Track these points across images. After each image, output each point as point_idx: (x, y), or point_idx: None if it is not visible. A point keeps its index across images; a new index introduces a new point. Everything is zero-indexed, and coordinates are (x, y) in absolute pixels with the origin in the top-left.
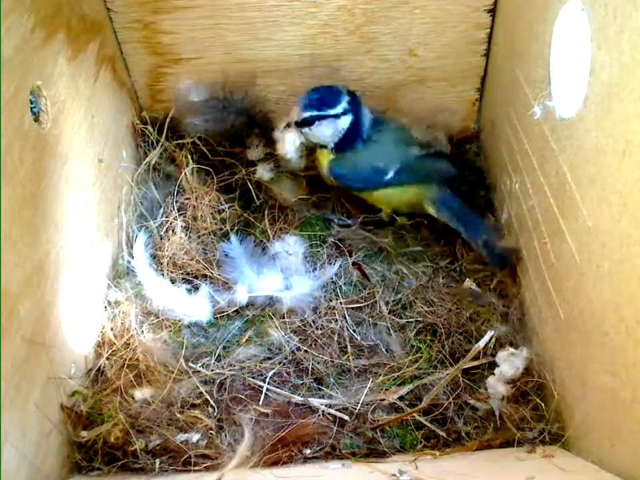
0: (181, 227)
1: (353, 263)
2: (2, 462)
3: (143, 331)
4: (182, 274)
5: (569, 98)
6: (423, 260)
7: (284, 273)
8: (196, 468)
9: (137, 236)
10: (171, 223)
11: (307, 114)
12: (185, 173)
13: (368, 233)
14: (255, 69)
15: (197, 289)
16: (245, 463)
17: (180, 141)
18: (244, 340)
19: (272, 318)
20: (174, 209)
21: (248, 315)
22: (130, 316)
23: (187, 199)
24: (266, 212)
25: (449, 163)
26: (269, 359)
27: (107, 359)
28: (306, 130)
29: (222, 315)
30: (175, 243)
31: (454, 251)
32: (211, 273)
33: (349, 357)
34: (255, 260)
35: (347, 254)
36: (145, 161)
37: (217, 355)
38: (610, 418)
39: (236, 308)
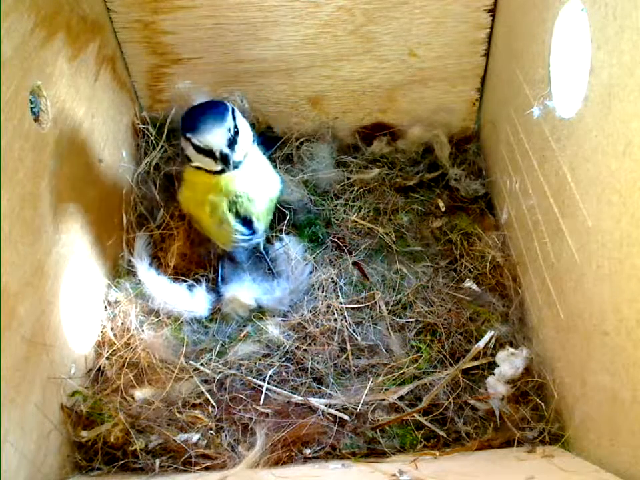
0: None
1: (353, 263)
2: (2, 462)
3: (143, 330)
4: (182, 274)
5: (568, 98)
6: (422, 260)
7: (282, 273)
8: (196, 468)
9: (137, 236)
10: (171, 226)
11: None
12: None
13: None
14: (255, 68)
15: (196, 285)
16: (250, 466)
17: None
18: (243, 335)
19: (267, 315)
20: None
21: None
22: (130, 315)
23: None
24: None
25: None
26: (268, 355)
27: (107, 358)
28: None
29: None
30: (175, 245)
31: (454, 251)
32: (208, 273)
33: (348, 356)
34: (253, 261)
35: (347, 254)
36: (145, 161)
37: (217, 351)
38: (610, 418)
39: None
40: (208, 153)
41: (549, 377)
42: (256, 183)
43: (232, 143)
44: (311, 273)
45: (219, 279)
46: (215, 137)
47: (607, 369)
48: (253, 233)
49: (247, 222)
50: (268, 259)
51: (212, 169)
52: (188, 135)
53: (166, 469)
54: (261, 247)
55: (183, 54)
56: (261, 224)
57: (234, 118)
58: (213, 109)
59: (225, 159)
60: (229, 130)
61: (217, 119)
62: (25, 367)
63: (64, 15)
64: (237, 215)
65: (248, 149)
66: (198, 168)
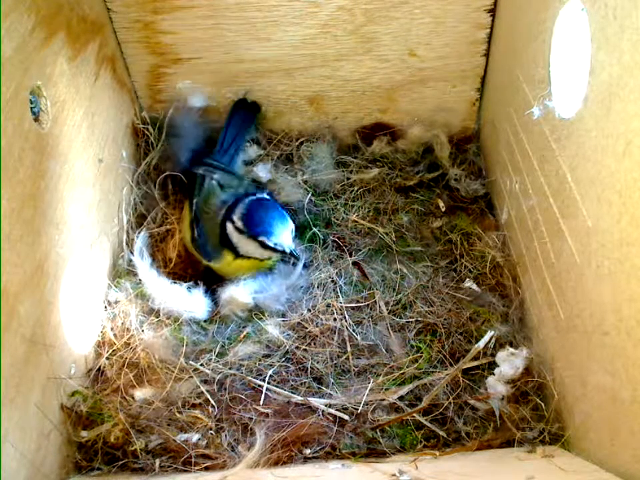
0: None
1: (353, 263)
2: (2, 462)
3: (143, 330)
4: (180, 274)
5: (568, 98)
6: (422, 260)
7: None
8: (196, 468)
9: (137, 236)
10: (170, 226)
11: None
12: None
13: None
14: (255, 68)
15: (195, 287)
16: (250, 466)
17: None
18: (242, 336)
19: (267, 315)
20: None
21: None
22: (130, 315)
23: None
24: None
25: None
26: (268, 355)
27: (107, 358)
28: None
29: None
30: (174, 245)
31: (454, 251)
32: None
33: (348, 356)
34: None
35: (347, 254)
36: (145, 161)
37: (217, 352)
38: (610, 418)
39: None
40: (278, 251)
41: (549, 377)
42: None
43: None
44: (305, 266)
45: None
46: (286, 238)
47: (607, 369)
48: None
49: None
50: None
51: (267, 258)
52: (261, 238)
53: (166, 469)
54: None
55: (183, 54)
56: None
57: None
58: (277, 211)
59: (294, 254)
60: (292, 230)
61: (284, 223)
62: (25, 367)
63: (64, 15)
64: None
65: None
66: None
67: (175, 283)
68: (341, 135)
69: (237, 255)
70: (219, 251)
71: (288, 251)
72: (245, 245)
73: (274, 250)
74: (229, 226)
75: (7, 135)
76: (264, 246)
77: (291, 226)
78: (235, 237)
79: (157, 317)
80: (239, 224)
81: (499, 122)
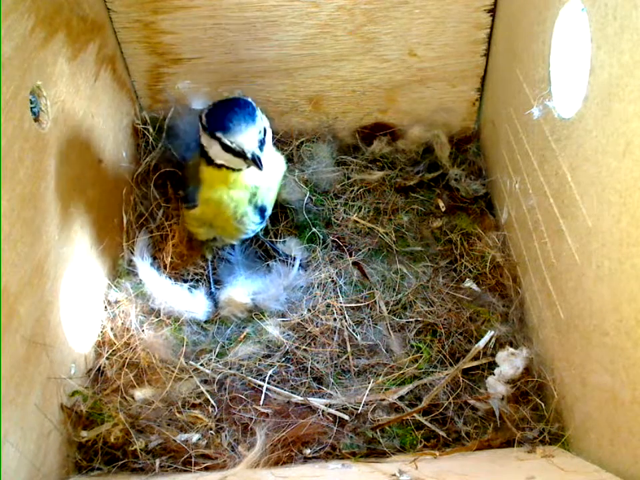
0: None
1: (353, 263)
2: (2, 462)
3: (143, 330)
4: (181, 274)
5: (568, 98)
6: (422, 260)
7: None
8: (196, 468)
9: (137, 236)
10: (170, 226)
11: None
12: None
13: None
14: (255, 68)
15: (196, 287)
16: (250, 466)
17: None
18: (242, 336)
19: (267, 315)
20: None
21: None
22: (130, 315)
23: None
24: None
25: None
26: (268, 356)
27: (107, 358)
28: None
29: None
30: (173, 245)
31: (454, 251)
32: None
33: (348, 356)
34: (251, 264)
35: (347, 253)
36: (145, 161)
37: (217, 352)
38: (610, 418)
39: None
40: (238, 153)
41: (549, 377)
42: (271, 173)
43: (261, 143)
44: (301, 266)
45: (212, 283)
46: (247, 138)
47: (607, 368)
48: (263, 219)
49: (261, 211)
50: (278, 248)
51: (238, 168)
52: (218, 135)
53: (166, 469)
54: (260, 234)
55: (183, 54)
56: (269, 210)
57: (261, 118)
58: (243, 108)
59: (256, 161)
60: (260, 132)
61: (248, 120)
62: (25, 367)
63: (64, 15)
64: (255, 206)
65: (270, 147)
66: (220, 166)
67: (175, 283)
68: (341, 134)
69: (209, 161)
70: (197, 177)
71: (249, 155)
72: (211, 146)
73: (233, 152)
74: (200, 130)
75: (6, 135)
76: (224, 146)
77: (257, 126)
78: (204, 140)
79: (157, 317)
80: (203, 120)
81: (499, 122)
